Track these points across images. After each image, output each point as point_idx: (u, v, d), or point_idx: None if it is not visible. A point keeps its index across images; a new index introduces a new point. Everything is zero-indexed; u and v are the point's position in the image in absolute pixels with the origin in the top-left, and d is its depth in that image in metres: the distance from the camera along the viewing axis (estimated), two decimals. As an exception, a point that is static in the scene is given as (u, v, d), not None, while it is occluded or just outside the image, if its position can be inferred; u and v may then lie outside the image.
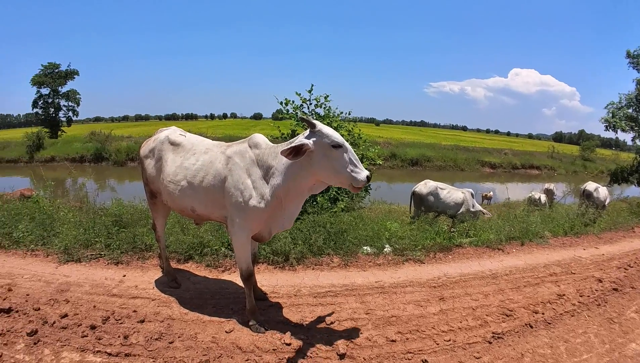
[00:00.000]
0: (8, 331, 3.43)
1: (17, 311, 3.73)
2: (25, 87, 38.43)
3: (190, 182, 3.68)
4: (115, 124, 66.17)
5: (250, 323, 3.61)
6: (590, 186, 9.72)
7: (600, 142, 53.29)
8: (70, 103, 39.93)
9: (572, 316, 4.18)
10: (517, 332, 3.79)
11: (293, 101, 8.64)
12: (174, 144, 3.96)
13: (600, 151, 46.50)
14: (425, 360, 3.29)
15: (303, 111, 8.63)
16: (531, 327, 3.89)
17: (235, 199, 3.46)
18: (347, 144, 3.19)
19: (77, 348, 3.26)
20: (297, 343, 3.39)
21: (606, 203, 9.59)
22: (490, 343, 3.58)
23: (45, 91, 38.49)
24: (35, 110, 39.09)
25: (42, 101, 38.63)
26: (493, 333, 3.70)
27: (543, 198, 11.32)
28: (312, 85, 8.57)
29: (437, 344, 3.50)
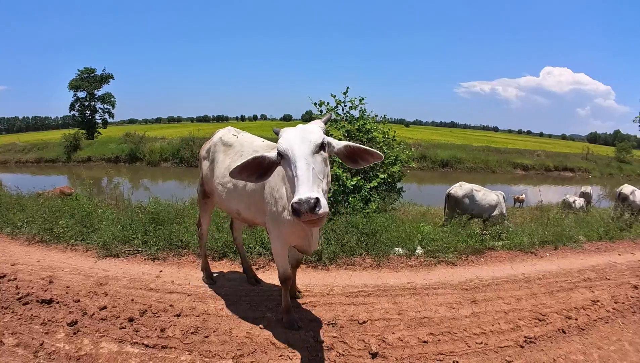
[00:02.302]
0: (49, 321, 3.59)
1: (57, 302, 3.90)
2: (62, 90, 39.97)
3: (235, 185, 3.58)
4: (149, 126, 67.89)
5: (284, 320, 3.65)
6: (627, 189, 9.41)
7: (637, 143, 51.35)
8: (105, 106, 41.49)
9: (606, 323, 4.07)
10: (550, 337, 3.72)
11: (328, 103, 8.74)
12: (225, 144, 3.85)
13: (637, 153, 44.75)
14: (457, 362, 3.27)
15: (337, 113, 8.73)
16: (564, 332, 3.80)
17: (270, 208, 3.25)
18: (293, 155, 2.33)
19: (116, 339, 3.38)
20: (329, 341, 3.43)
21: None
22: (522, 347, 3.52)
23: (81, 94, 40.12)
24: (72, 112, 40.78)
25: (78, 104, 40.20)
26: (525, 337, 3.64)
27: (578, 201, 11.05)
28: (348, 87, 8.66)
29: (469, 346, 3.48)
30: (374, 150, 2.60)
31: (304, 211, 2.07)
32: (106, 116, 42.03)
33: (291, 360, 3.21)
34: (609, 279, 5.18)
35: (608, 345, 3.66)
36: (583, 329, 3.91)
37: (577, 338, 3.75)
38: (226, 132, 4.00)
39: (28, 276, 4.46)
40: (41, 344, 3.26)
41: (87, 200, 7.16)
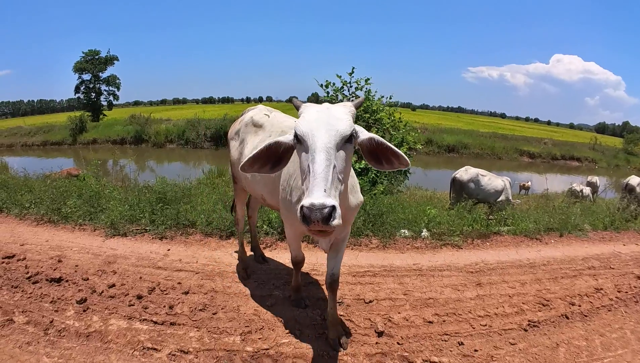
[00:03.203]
0: (58, 299, 3.65)
1: (67, 281, 3.96)
2: (67, 73, 39.70)
3: None
4: (154, 108, 67.63)
5: (292, 298, 3.69)
6: (634, 180, 9.37)
7: (645, 135, 50.62)
8: (110, 88, 41.41)
9: (609, 311, 4.10)
10: (553, 322, 3.76)
11: (334, 83, 8.67)
12: (256, 125, 3.55)
13: (645, 145, 44.27)
14: (462, 342, 3.31)
15: (343, 94, 8.65)
16: (567, 318, 3.84)
17: (285, 195, 2.90)
18: (313, 143, 1.93)
19: (125, 316, 3.44)
20: (336, 319, 3.48)
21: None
22: (525, 330, 3.57)
23: (86, 76, 39.98)
24: (77, 95, 40.63)
25: (84, 87, 40.09)
26: (529, 321, 3.69)
27: (586, 190, 11.02)
28: (353, 68, 8.54)
29: (474, 328, 3.52)
30: (402, 154, 2.17)
31: (315, 219, 1.74)
32: (111, 98, 41.95)
33: (298, 337, 3.25)
34: (612, 268, 5.19)
35: (610, 332, 3.70)
36: (586, 316, 3.94)
37: (580, 324, 3.79)
38: (257, 112, 3.71)
39: (37, 256, 4.49)
40: (51, 322, 3.33)
41: (95, 180, 7.18)
